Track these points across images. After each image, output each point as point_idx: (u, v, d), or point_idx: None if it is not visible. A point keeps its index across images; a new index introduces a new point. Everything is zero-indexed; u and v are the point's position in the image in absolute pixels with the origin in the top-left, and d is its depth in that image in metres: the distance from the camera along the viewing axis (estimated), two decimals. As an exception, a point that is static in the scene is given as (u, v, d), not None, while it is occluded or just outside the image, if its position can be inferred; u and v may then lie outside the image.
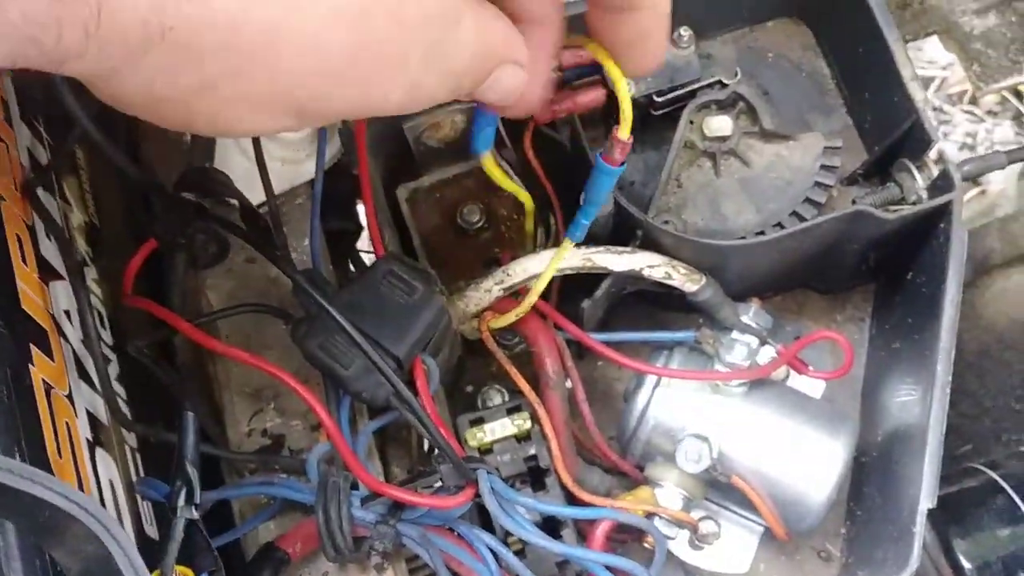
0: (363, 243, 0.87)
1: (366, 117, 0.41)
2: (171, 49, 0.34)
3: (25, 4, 0.30)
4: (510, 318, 0.66)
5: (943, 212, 0.66)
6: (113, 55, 0.34)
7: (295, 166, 0.71)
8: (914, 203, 0.68)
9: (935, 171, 0.68)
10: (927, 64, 1.51)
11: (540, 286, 0.64)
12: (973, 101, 1.56)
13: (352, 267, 0.81)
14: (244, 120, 0.39)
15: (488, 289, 0.67)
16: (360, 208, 0.86)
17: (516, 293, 0.69)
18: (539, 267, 0.67)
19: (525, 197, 0.68)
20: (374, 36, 0.37)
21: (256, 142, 0.63)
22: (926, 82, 1.54)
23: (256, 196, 0.64)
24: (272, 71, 0.36)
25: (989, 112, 1.55)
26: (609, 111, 0.71)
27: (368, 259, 0.86)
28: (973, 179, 0.77)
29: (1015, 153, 0.71)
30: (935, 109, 1.55)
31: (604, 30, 0.49)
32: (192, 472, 0.51)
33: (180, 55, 0.34)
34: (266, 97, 0.37)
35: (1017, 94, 1.49)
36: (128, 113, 0.38)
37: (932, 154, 0.67)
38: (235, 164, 0.68)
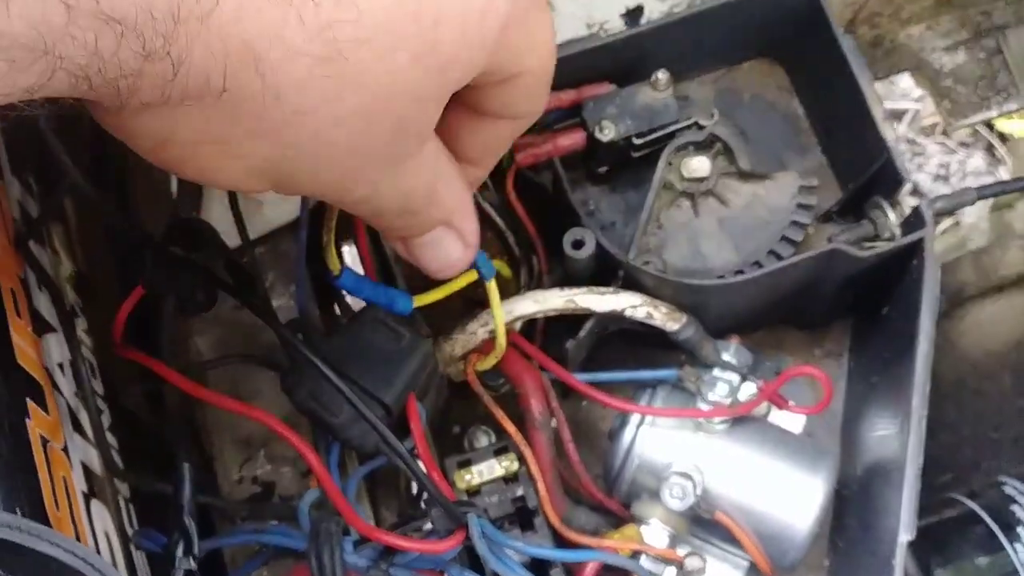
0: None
1: (323, 199, 0.46)
2: (210, 108, 0.35)
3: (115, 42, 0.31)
4: (491, 360, 0.67)
5: (916, 248, 0.68)
6: (155, 98, 0.34)
7: (276, 207, 0.72)
8: (888, 240, 0.70)
9: (907, 208, 0.69)
10: (900, 97, 1.54)
11: (500, 326, 0.65)
12: (945, 133, 1.59)
13: (339, 310, 0.82)
14: (231, 179, 0.40)
15: (473, 331, 0.68)
16: (346, 250, 0.88)
17: (501, 335, 0.70)
18: (524, 308, 0.68)
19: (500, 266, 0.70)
20: (375, 137, 0.39)
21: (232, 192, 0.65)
22: (899, 115, 1.57)
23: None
24: (280, 147, 0.38)
25: (962, 143, 1.58)
26: (588, 153, 0.73)
27: (354, 302, 0.87)
28: (945, 215, 0.79)
29: (985, 189, 0.73)
30: (909, 141, 1.57)
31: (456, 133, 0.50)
32: (189, 523, 0.52)
33: (212, 115, 0.36)
34: (260, 166, 0.39)
35: (989, 126, 1.52)
36: (121, 139, 0.39)
37: (904, 192, 0.69)
38: (219, 211, 0.69)
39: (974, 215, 1.14)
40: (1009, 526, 0.74)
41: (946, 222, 1.16)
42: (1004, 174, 1.53)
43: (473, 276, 0.63)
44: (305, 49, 0.34)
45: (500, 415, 0.67)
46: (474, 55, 0.40)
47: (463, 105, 0.46)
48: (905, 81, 1.33)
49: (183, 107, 0.35)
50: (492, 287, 0.62)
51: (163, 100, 0.34)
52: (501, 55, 0.42)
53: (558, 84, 0.71)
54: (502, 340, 0.65)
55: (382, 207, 0.45)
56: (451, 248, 0.50)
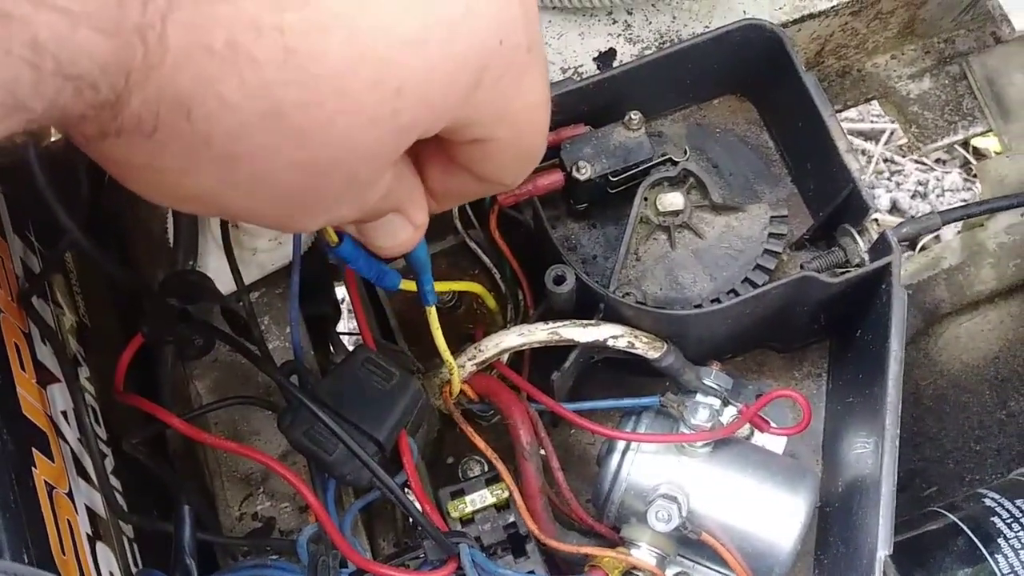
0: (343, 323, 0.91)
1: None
2: (148, 142, 0.37)
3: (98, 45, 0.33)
4: (457, 387, 0.70)
5: (884, 273, 0.70)
6: (104, 133, 0.36)
7: (269, 253, 0.74)
8: (857, 265, 0.72)
9: (875, 235, 0.72)
10: (876, 118, 1.57)
11: (444, 351, 0.67)
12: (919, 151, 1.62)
13: (332, 349, 0.84)
14: (178, 202, 0.42)
15: (462, 364, 0.71)
16: (339, 290, 0.90)
17: (490, 367, 0.73)
18: (511, 342, 0.71)
19: (477, 287, 0.72)
20: (321, 188, 0.40)
21: (227, 241, 0.67)
22: (876, 134, 1.60)
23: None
24: (217, 183, 0.39)
25: (938, 160, 1.61)
26: (567, 191, 0.75)
27: (348, 341, 0.89)
28: (911, 241, 0.81)
29: (949, 214, 0.75)
30: (886, 160, 1.60)
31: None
32: (190, 563, 0.54)
33: (152, 148, 0.37)
34: (200, 195, 0.40)
35: (964, 143, 1.56)
36: (98, 163, 0.41)
37: (869, 218, 0.72)
38: (214, 260, 0.72)
39: (948, 234, 1.17)
40: (989, 537, 0.76)
41: (923, 239, 1.18)
42: (980, 189, 1.56)
43: (474, 288, 0.65)
44: (242, 105, 0.36)
45: (483, 446, 0.69)
46: (437, 118, 0.41)
47: (435, 144, 0.45)
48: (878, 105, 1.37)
49: (126, 138, 0.37)
50: (432, 313, 0.64)
51: (112, 133, 0.36)
52: (467, 117, 0.42)
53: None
54: (453, 367, 0.68)
55: (337, 223, 0.46)
56: (400, 230, 0.49)
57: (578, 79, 0.74)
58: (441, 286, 0.63)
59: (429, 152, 0.47)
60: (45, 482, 0.53)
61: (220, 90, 0.35)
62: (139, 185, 0.40)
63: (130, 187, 0.41)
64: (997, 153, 1.29)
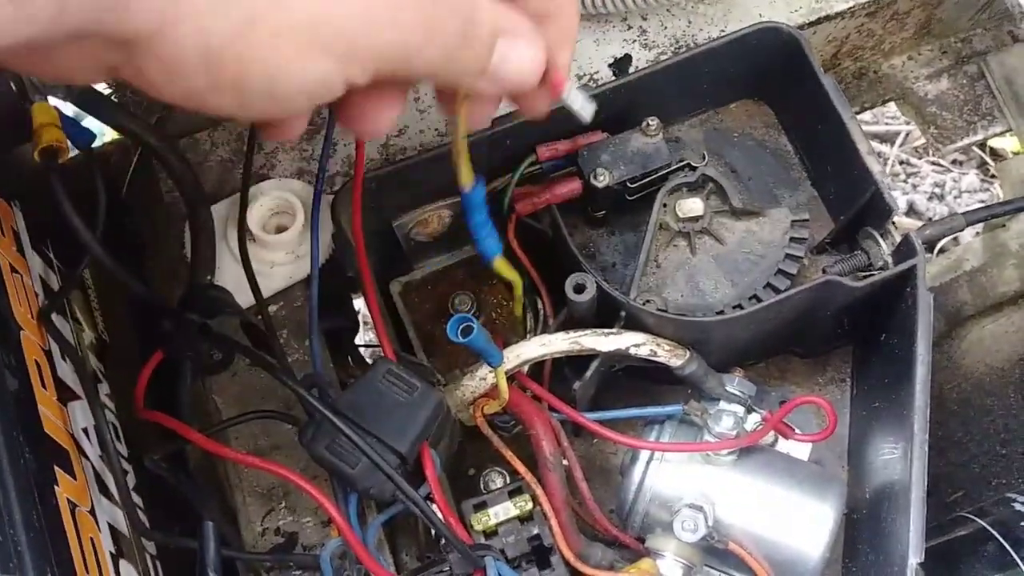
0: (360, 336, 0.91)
1: (398, 70, 0.42)
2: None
3: None
4: (495, 406, 0.69)
5: (908, 276, 0.70)
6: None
7: (287, 267, 0.74)
8: (881, 268, 0.72)
9: (898, 237, 0.71)
10: (891, 120, 1.56)
11: (502, 378, 0.67)
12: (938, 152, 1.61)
13: (351, 362, 0.84)
14: (293, 66, 0.39)
15: (483, 376, 0.70)
16: (356, 303, 0.90)
17: (511, 378, 0.72)
18: (531, 352, 0.70)
19: (515, 279, 0.71)
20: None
21: (245, 255, 0.67)
22: (892, 136, 1.59)
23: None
24: (313, 5, 0.38)
25: (955, 162, 1.60)
26: (585, 199, 0.75)
27: (366, 353, 0.89)
28: (935, 242, 0.81)
29: (973, 214, 0.75)
30: (903, 162, 1.59)
31: None
32: (215, 580, 0.54)
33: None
34: (307, 33, 0.39)
35: (980, 144, 1.54)
36: (183, 103, 0.39)
37: (897, 216, 0.71)
38: (232, 274, 0.71)
39: (968, 236, 1.16)
40: (1020, 542, 0.75)
41: (941, 242, 1.17)
42: (998, 190, 1.55)
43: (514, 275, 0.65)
44: None
45: (510, 456, 0.69)
46: None
47: None
48: (894, 108, 1.36)
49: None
50: (500, 373, 0.65)
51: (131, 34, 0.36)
52: None
53: (552, 135, 0.73)
54: (504, 389, 0.67)
55: (442, 47, 0.43)
56: (521, 54, 0.47)
57: (594, 86, 0.74)
58: (507, 270, 0.63)
59: None
60: (68, 500, 0.52)
61: None
62: (260, 65, 0.39)
63: (257, 81, 0.39)
64: (1015, 153, 1.28)
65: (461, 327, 0.60)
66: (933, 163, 1.60)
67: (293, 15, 0.38)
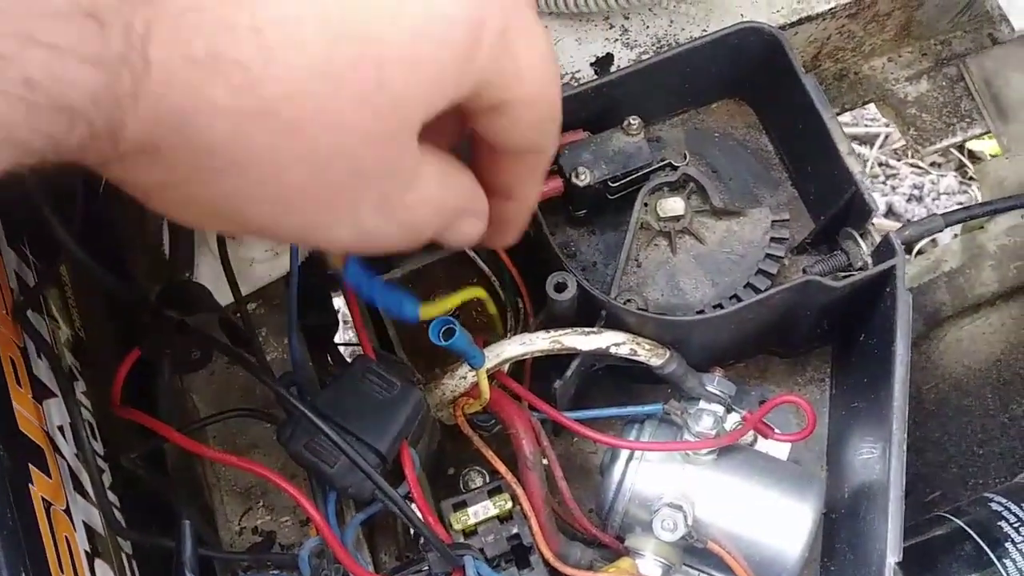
0: (340, 334, 0.90)
1: (309, 247, 0.44)
2: (151, 163, 0.37)
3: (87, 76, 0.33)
4: (476, 405, 0.69)
5: (888, 276, 0.70)
6: (103, 159, 0.36)
7: (266, 264, 0.74)
8: (860, 269, 0.72)
9: (877, 238, 0.72)
10: (871, 122, 1.57)
11: (483, 378, 0.67)
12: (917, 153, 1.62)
13: (331, 360, 0.83)
14: (197, 221, 0.42)
15: (463, 376, 0.70)
16: (336, 301, 0.90)
17: (492, 377, 0.72)
18: (512, 351, 0.70)
19: (478, 291, 0.72)
20: (330, 180, 0.40)
21: (224, 252, 0.66)
22: (871, 138, 1.60)
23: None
24: (228, 194, 0.39)
25: (933, 164, 1.61)
26: (567, 198, 0.75)
27: (346, 351, 0.88)
28: (914, 243, 0.81)
29: (951, 215, 0.75)
30: (881, 164, 1.60)
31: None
32: (191, 580, 0.53)
33: (155, 168, 0.37)
34: (216, 210, 0.40)
35: (959, 147, 1.55)
36: (124, 190, 0.41)
37: (876, 218, 0.71)
38: (210, 271, 0.71)
39: (948, 236, 1.17)
40: (997, 542, 0.76)
41: (919, 244, 1.18)
42: (976, 192, 1.56)
43: (476, 293, 0.65)
44: (233, 107, 0.36)
45: (491, 456, 0.68)
46: (433, 89, 0.40)
47: (477, 135, 0.45)
48: (874, 108, 1.36)
49: (132, 161, 0.37)
50: (482, 373, 0.65)
51: (112, 159, 0.37)
52: (478, 81, 0.41)
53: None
54: (485, 390, 0.67)
55: (391, 243, 0.44)
56: (468, 230, 0.48)
57: (576, 85, 0.74)
58: (439, 306, 0.62)
59: (478, 146, 0.47)
60: (43, 499, 0.52)
61: (210, 96, 0.36)
62: (164, 204, 0.40)
63: (158, 209, 0.41)
64: (992, 156, 1.29)
65: (443, 330, 0.59)
66: (912, 165, 1.61)
67: (209, 196, 0.39)
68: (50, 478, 0.54)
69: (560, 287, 0.69)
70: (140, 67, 0.34)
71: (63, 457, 0.57)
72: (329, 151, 0.38)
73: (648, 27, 0.82)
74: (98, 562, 0.56)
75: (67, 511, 0.55)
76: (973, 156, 1.56)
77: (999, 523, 0.77)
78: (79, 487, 0.58)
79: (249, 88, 0.36)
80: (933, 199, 1.57)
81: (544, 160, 0.49)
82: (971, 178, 1.57)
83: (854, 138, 1.61)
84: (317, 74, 0.37)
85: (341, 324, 1.03)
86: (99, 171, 0.38)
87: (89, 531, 0.57)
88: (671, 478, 0.70)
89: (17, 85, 0.32)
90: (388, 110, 0.39)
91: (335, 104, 0.37)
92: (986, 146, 1.46)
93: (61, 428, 0.59)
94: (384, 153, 0.40)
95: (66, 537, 0.53)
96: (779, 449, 0.74)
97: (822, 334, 0.79)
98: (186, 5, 0.35)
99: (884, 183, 1.58)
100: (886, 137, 1.59)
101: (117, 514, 0.61)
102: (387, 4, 0.38)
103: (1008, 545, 0.76)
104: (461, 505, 0.68)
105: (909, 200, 1.57)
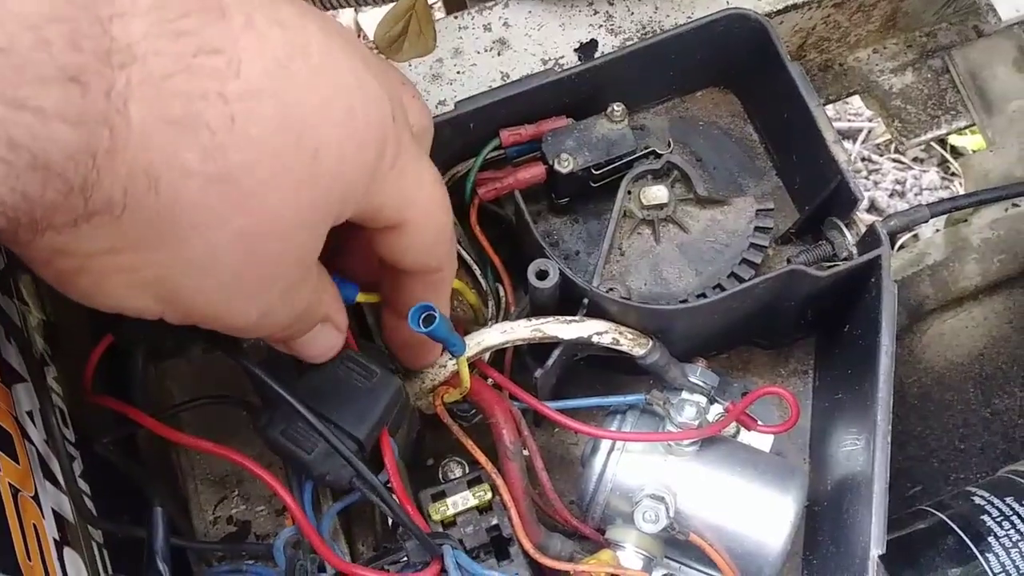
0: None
1: (218, 327, 0.46)
2: (108, 224, 0.38)
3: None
4: (456, 394, 0.68)
5: (873, 266, 0.69)
6: (66, 223, 0.37)
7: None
8: (845, 259, 0.71)
9: (863, 228, 0.71)
10: (854, 116, 1.57)
11: (463, 366, 0.66)
12: (898, 151, 1.62)
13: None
14: (115, 296, 0.43)
15: (443, 364, 0.69)
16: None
17: (472, 366, 0.71)
18: (493, 339, 0.69)
19: (456, 283, 0.71)
20: (262, 259, 0.42)
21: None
22: (854, 133, 1.60)
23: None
24: (173, 261, 0.40)
25: (915, 159, 1.61)
26: (549, 185, 0.74)
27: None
28: (900, 233, 0.80)
29: (937, 206, 0.74)
30: (864, 159, 1.60)
31: (392, 332, 0.60)
32: (163, 568, 0.52)
33: (110, 230, 0.38)
34: (150, 279, 0.41)
35: (942, 142, 1.55)
36: (37, 271, 0.42)
37: (858, 212, 0.71)
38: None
39: (930, 230, 1.16)
40: (980, 536, 0.75)
41: (904, 236, 1.18)
42: (959, 188, 1.56)
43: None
44: (200, 169, 0.38)
45: (470, 446, 0.67)
46: (349, 189, 0.43)
47: (383, 260, 0.50)
48: (857, 102, 1.36)
49: (95, 222, 0.37)
50: (463, 362, 0.64)
51: (72, 223, 0.37)
52: (377, 198, 0.45)
53: (517, 119, 0.72)
54: (466, 378, 0.66)
55: (272, 327, 0.48)
56: (328, 338, 0.54)
57: (559, 70, 0.73)
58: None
59: (384, 266, 0.51)
60: (10, 485, 0.50)
61: (183, 158, 0.37)
62: (87, 276, 0.41)
63: (70, 282, 0.41)
64: (975, 151, 1.29)
65: (423, 316, 0.58)
66: (895, 160, 1.61)
67: (141, 271, 0.41)
68: (18, 464, 0.53)
69: (542, 274, 0.68)
70: (120, 126, 0.35)
71: (32, 443, 0.56)
72: (268, 228, 0.41)
73: (633, 13, 0.81)
74: (67, 550, 0.55)
75: (35, 498, 0.53)
76: (956, 152, 1.56)
77: (982, 517, 0.76)
78: (49, 474, 0.57)
79: (217, 152, 0.38)
80: (916, 194, 1.57)
81: (445, 278, 0.54)
82: (953, 173, 1.57)
83: (838, 132, 1.61)
84: (270, 150, 0.39)
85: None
86: (30, 248, 0.38)
87: (59, 519, 0.56)
88: (653, 469, 0.69)
89: (1, 147, 0.33)
90: (319, 199, 0.42)
91: (278, 184, 0.40)
92: (968, 142, 1.47)
93: (30, 413, 0.58)
94: (305, 241, 0.44)
95: (34, 525, 0.52)
96: (762, 441, 0.74)
97: (806, 325, 0.78)
98: (172, 70, 0.36)
99: (867, 178, 1.58)
100: (869, 132, 1.59)
101: (88, 502, 0.59)
102: (320, 101, 0.41)
103: (991, 539, 0.75)
104: (440, 495, 0.67)
105: (892, 195, 1.57)
